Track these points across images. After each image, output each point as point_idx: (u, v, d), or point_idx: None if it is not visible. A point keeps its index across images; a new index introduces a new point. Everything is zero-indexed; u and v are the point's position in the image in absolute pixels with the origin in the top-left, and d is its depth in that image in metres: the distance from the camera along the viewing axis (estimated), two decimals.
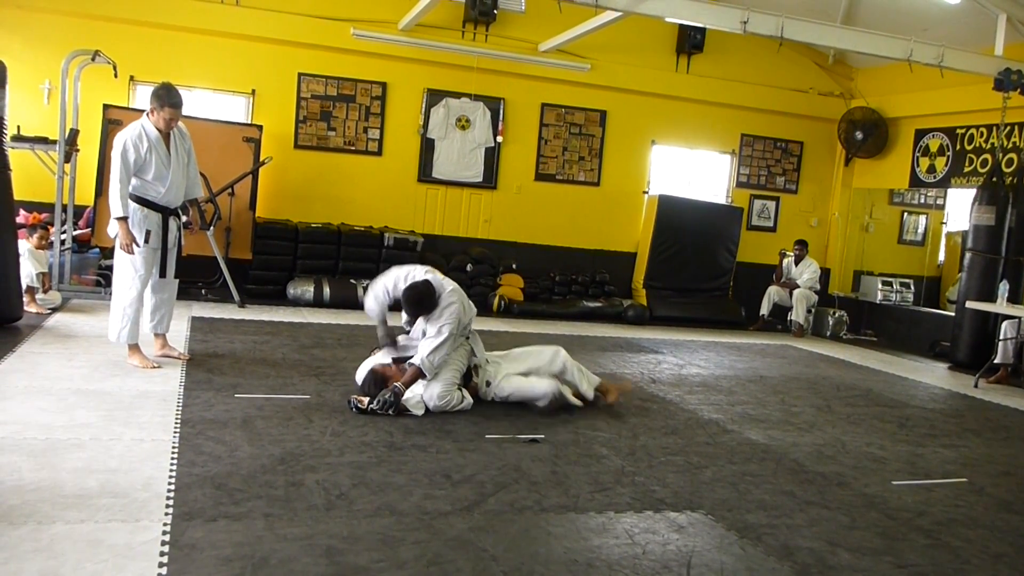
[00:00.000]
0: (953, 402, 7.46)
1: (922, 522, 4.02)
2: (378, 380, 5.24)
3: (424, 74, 10.67)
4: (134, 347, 5.73)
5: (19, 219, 7.55)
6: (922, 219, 13.48)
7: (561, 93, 11.29)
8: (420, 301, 5.17)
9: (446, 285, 5.32)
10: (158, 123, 5.59)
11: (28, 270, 7.30)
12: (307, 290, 9.45)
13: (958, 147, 11.06)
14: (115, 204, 5.49)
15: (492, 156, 11.07)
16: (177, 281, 6.07)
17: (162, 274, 5.85)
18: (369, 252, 9.97)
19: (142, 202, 5.64)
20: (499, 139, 11.04)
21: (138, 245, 5.58)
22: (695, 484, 4.27)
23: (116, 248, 5.64)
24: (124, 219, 5.51)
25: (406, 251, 9.96)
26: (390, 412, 4.99)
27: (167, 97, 5.55)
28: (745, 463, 4.75)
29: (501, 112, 11.01)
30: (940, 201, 13.21)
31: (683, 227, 11.49)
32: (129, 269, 5.65)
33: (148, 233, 5.67)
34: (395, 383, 5.09)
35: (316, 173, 10.39)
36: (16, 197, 6.95)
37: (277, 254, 9.69)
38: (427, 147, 10.81)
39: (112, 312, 5.72)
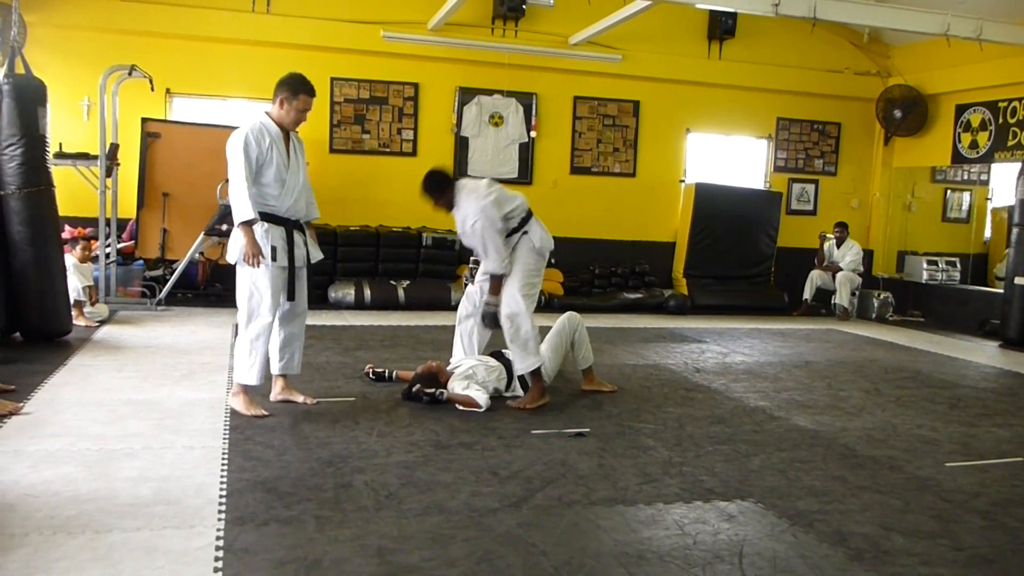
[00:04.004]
0: (1006, 381, 7.32)
1: (978, 503, 3.94)
2: (430, 376, 5.36)
3: (455, 73, 10.69)
4: (246, 388, 4.85)
5: (64, 234, 7.68)
6: (966, 196, 13.22)
7: (593, 85, 11.24)
8: (430, 184, 5.59)
9: (482, 199, 5.43)
10: (285, 117, 4.86)
11: (75, 284, 7.42)
12: (348, 293, 9.50)
13: (1000, 121, 10.83)
14: (240, 206, 4.60)
15: (526, 151, 11.06)
16: (307, 311, 5.19)
17: (290, 297, 4.95)
18: (408, 252, 10.01)
19: (261, 215, 4.75)
20: (533, 134, 11.02)
21: (264, 257, 4.68)
22: (744, 472, 4.23)
23: (238, 265, 4.77)
24: (250, 223, 4.64)
25: (445, 250, 10.02)
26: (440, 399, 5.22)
27: (302, 85, 4.88)
28: (794, 449, 4.70)
29: (534, 107, 10.99)
30: (984, 177, 12.94)
31: (721, 214, 11.39)
32: (254, 294, 4.76)
33: (274, 250, 4.78)
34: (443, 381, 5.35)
35: (352, 176, 10.44)
36: (60, 213, 7.06)
37: None
38: (461, 145, 10.83)
39: (238, 346, 4.84)
